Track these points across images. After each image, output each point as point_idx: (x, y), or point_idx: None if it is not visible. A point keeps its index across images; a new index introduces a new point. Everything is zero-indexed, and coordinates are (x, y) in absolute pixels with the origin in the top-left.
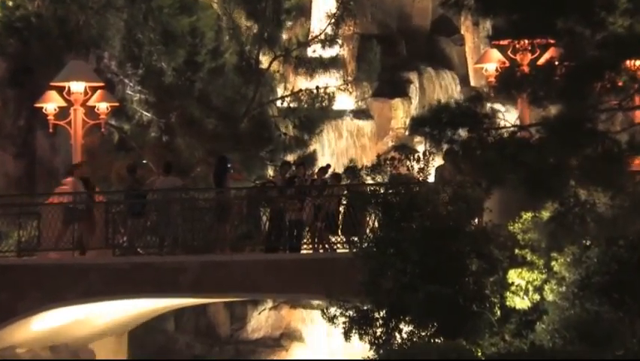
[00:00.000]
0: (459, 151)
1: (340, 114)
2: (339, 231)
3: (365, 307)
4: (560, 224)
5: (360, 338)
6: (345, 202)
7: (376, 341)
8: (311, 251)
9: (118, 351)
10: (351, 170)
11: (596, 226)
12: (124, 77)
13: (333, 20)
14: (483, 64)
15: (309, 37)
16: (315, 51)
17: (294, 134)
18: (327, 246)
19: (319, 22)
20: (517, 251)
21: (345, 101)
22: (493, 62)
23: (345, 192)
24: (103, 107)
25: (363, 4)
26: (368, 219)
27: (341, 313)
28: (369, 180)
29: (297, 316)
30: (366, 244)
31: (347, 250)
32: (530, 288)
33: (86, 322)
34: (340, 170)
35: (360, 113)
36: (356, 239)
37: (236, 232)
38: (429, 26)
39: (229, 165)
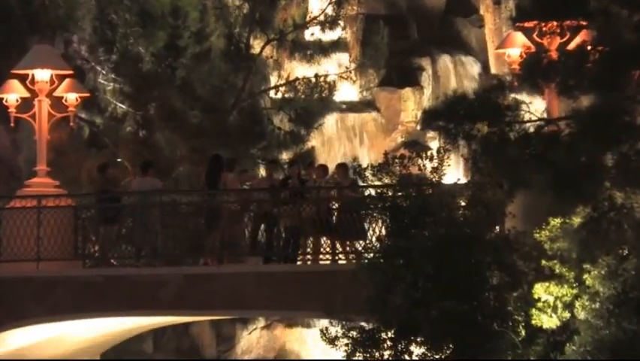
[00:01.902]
0: (477, 148)
1: (342, 106)
2: (339, 236)
3: (370, 327)
4: (592, 231)
5: None
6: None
7: None
8: (309, 262)
9: None
10: (355, 170)
11: (634, 234)
12: (95, 64)
13: None
14: (505, 49)
15: (307, 19)
16: (313, 34)
17: (290, 129)
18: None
19: (318, 0)
20: (544, 262)
21: (348, 91)
22: (517, 46)
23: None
24: (72, 97)
25: None
26: (374, 225)
27: (343, 333)
28: (375, 182)
29: (292, 336)
30: (371, 254)
31: (350, 261)
32: (559, 304)
33: (52, 343)
34: None
35: (365, 105)
36: (360, 248)
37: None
38: (444, 6)
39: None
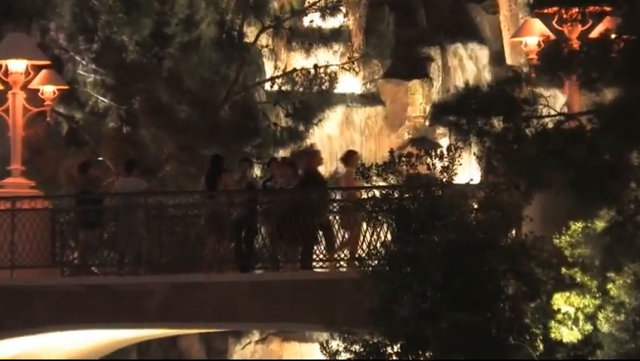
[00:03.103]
0: (491, 146)
1: (344, 99)
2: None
3: (375, 340)
4: (617, 236)
5: None
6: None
7: None
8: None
9: None
10: (358, 169)
11: None
12: (75, 54)
13: None
14: (522, 37)
15: (306, 4)
16: (312, 21)
17: (287, 125)
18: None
19: None
20: (564, 270)
21: (350, 84)
22: (535, 34)
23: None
24: (49, 90)
25: None
26: (379, 230)
27: (345, 347)
28: (379, 182)
29: (290, 350)
30: (376, 262)
31: (351, 269)
32: (581, 316)
33: (28, 358)
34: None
35: (368, 99)
36: (365, 256)
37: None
38: None
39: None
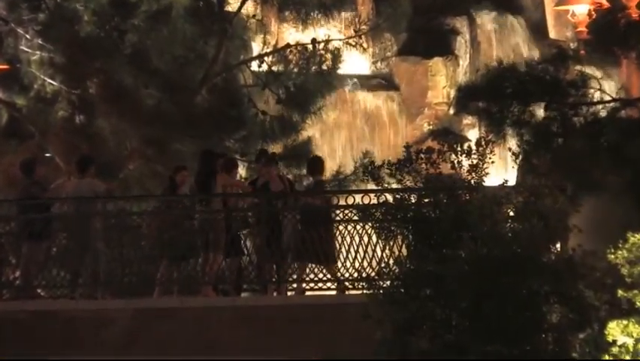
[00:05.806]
0: (531, 139)
1: (349, 82)
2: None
3: None
4: None
5: None
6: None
7: None
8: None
9: None
10: (367, 168)
11: None
12: (17, 26)
13: None
14: (569, 5)
15: None
16: None
17: (279, 114)
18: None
19: None
20: (620, 293)
21: (357, 63)
22: (585, 2)
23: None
24: None
25: None
26: (392, 243)
27: None
28: (393, 184)
29: None
30: (388, 282)
31: (359, 292)
32: None
33: None
34: (350, 167)
35: (379, 81)
36: (374, 275)
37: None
38: None
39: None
